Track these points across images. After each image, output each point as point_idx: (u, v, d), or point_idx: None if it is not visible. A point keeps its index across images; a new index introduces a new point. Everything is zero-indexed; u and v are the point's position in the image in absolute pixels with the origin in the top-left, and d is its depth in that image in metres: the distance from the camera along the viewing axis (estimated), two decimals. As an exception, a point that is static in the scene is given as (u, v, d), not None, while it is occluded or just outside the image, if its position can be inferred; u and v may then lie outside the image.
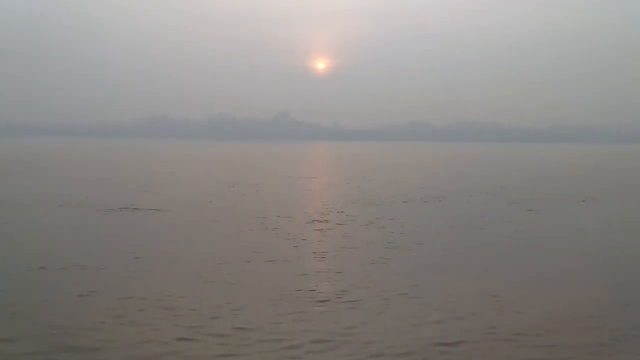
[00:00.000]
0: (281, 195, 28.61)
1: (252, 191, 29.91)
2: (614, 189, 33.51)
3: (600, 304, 10.09)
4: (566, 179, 41.73)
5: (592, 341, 8.31)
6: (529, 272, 12.41)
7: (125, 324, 8.75)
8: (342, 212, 21.55)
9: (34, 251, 13.87)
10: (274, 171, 49.39)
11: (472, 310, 9.53)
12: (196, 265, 12.55)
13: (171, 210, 21.38)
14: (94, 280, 11.21)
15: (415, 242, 15.55)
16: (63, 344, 7.97)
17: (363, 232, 17.28)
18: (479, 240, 16.24)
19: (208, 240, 15.72)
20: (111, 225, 18.25)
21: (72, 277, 11.46)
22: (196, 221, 19.10)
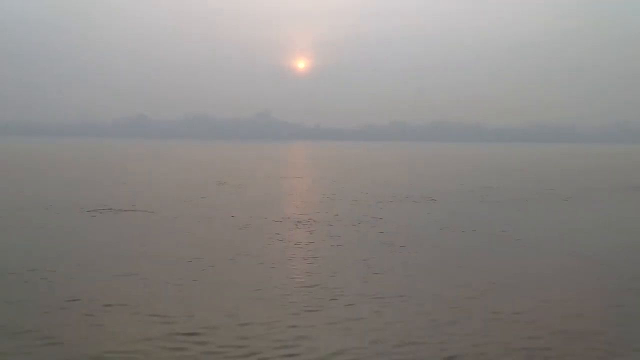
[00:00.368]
0: (266, 195, 28.28)
1: (236, 191, 29.52)
2: (594, 188, 33.96)
3: (588, 304, 10.09)
4: (548, 179, 42.19)
5: (582, 339, 8.27)
6: (519, 270, 12.39)
7: (105, 327, 8.40)
8: (330, 211, 21.33)
9: (9, 255, 13.34)
10: (257, 171, 48.95)
11: (465, 310, 9.43)
12: (183, 268, 12.20)
13: (154, 212, 20.89)
14: (75, 283, 10.80)
15: (406, 242, 15.41)
16: (44, 351, 7.60)
17: (353, 231, 17.10)
18: (468, 239, 16.17)
19: (194, 243, 15.31)
20: (92, 226, 17.72)
21: (52, 280, 11.02)
22: (180, 223, 18.68)
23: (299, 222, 18.84)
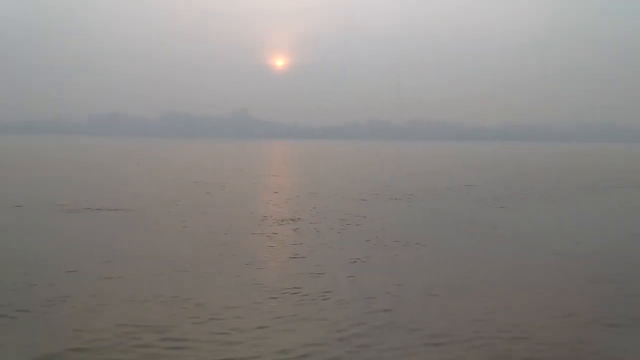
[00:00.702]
0: (248, 194, 28.03)
1: (217, 190, 29.16)
2: (573, 186, 34.53)
3: (576, 300, 10.19)
4: (526, 177, 42.71)
5: (571, 336, 8.34)
6: (506, 269, 12.47)
7: (96, 328, 8.15)
8: (314, 210, 21.21)
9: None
10: (237, 170, 48.49)
11: (456, 308, 9.45)
12: (169, 269, 11.95)
13: (137, 211, 20.49)
14: (62, 284, 10.48)
15: (391, 240, 15.37)
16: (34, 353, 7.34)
17: (337, 230, 17.01)
18: (454, 237, 16.22)
19: (179, 243, 15.03)
20: (74, 226, 17.27)
21: (37, 281, 10.67)
22: (164, 222, 18.34)
23: (283, 220, 18.68)
